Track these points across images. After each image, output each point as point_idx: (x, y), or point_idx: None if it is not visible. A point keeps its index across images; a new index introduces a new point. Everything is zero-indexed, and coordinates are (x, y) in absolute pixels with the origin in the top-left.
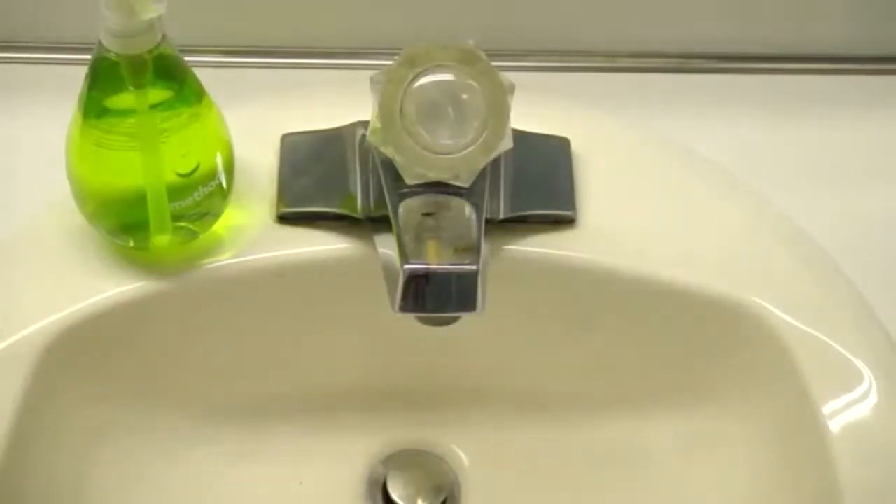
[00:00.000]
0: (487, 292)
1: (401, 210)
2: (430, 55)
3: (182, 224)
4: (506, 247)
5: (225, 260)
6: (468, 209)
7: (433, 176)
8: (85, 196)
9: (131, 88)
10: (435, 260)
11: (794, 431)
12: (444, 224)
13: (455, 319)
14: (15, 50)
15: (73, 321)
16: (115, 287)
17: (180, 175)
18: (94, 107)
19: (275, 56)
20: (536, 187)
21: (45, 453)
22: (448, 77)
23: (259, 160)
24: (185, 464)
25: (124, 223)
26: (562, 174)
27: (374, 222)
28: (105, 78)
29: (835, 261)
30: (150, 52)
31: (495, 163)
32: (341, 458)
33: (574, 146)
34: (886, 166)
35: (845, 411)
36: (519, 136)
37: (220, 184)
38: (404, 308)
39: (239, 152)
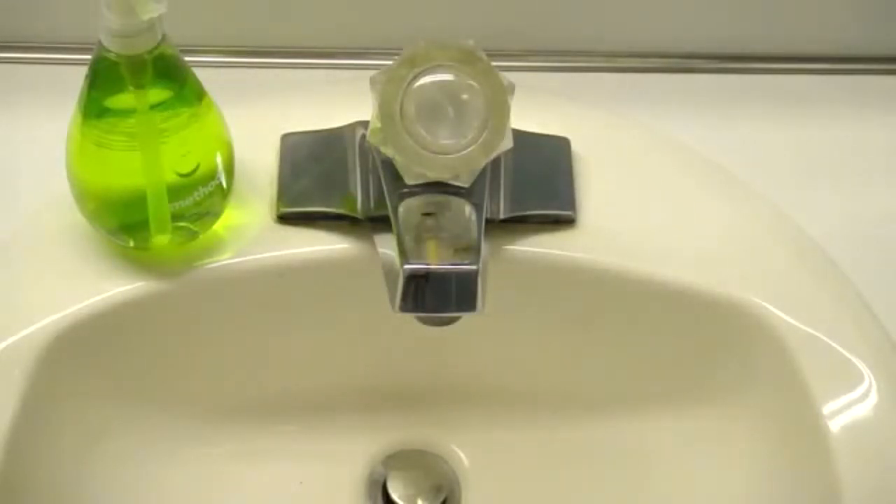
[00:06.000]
0: (487, 292)
1: (401, 210)
2: (430, 55)
3: (182, 224)
4: (506, 247)
5: (225, 260)
6: (468, 209)
7: (433, 176)
8: (85, 196)
9: (131, 88)
10: (435, 260)
11: (794, 431)
12: (444, 224)
13: (455, 319)
14: (15, 50)
15: (73, 321)
16: (115, 287)
17: (180, 175)
18: (94, 107)
19: (275, 56)
20: (536, 187)
21: (45, 453)
22: (448, 77)
23: (259, 160)
24: (185, 464)
25: (124, 223)
26: (562, 174)
27: (374, 222)
28: (105, 78)
29: (835, 261)
30: (150, 52)
31: (495, 163)
32: (341, 458)
33: (574, 146)
34: (886, 166)
35: (845, 411)
36: (519, 136)
37: (220, 184)
38: (404, 308)
39: (239, 152)
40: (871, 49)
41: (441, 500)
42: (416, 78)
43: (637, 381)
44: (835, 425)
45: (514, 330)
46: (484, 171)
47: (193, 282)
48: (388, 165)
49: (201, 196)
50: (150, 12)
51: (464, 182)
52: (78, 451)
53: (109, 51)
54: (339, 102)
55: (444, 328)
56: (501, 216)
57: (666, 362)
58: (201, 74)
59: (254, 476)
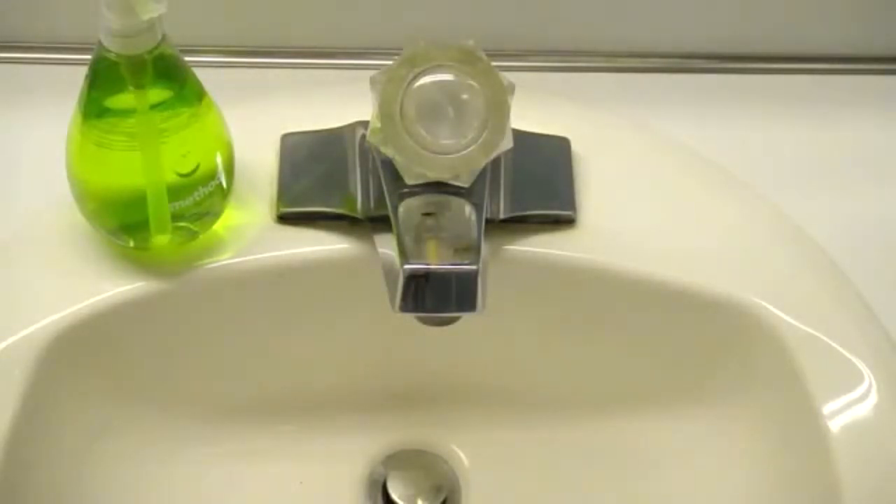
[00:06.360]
0: (487, 292)
1: (401, 210)
2: (430, 55)
3: (182, 224)
4: (506, 247)
5: (225, 260)
6: (468, 209)
7: (433, 176)
8: (85, 196)
9: (131, 88)
10: (435, 260)
11: (794, 431)
12: (444, 224)
13: (455, 319)
14: (15, 50)
15: (73, 321)
16: (115, 287)
17: (180, 175)
18: (94, 107)
19: (275, 56)
20: (536, 187)
21: (46, 453)
22: (448, 77)
23: (259, 160)
24: (185, 464)
25: (124, 223)
26: (562, 174)
27: (374, 222)
28: (105, 78)
29: (835, 261)
30: (150, 52)
31: (495, 163)
32: (341, 458)
33: (574, 146)
34: (886, 166)
35: (845, 411)
36: (519, 136)
37: (220, 184)
38: (404, 308)
39: (239, 152)
40: (871, 49)
41: (441, 500)
42: (416, 78)
43: (637, 381)
44: (835, 425)
45: (514, 330)
46: (484, 171)
47: (193, 282)
48: (388, 165)
49: (201, 196)
50: (150, 12)
51: (464, 182)
52: (78, 451)
53: (109, 51)
54: (339, 102)
55: (444, 328)
56: (501, 216)
57: (666, 362)
58: (201, 74)
59: (254, 476)
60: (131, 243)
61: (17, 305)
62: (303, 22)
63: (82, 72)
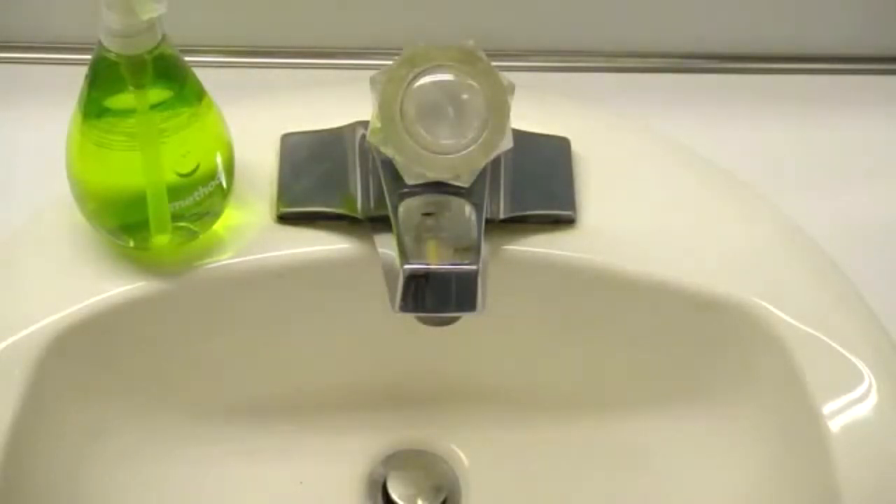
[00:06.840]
0: (487, 292)
1: (401, 210)
2: (430, 55)
3: (182, 224)
4: (506, 247)
5: (225, 260)
6: (468, 209)
7: (433, 176)
8: (85, 196)
9: (131, 88)
10: (435, 260)
11: (794, 431)
12: (444, 224)
13: (455, 319)
14: (15, 50)
15: (73, 321)
16: (115, 287)
17: (180, 175)
18: (94, 107)
19: (275, 56)
20: (536, 187)
21: (45, 453)
22: (448, 77)
23: (259, 160)
24: (184, 464)
25: (124, 223)
26: (562, 174)
27: (374, 222)
28: (105, 78)
29: (835, 261)
30: (150, 52)
31: (495, 163)
32: (341, 458)
33: (574, 146)
34: (886, 166)
35: (845, 411)
36: (519, 136)
37: (220, 184)
38: (404, 308)
39: (239, 152)
40: (871, 49)
41: (441, 500)
42: (416, 78)
43: (637, 381)
44: (835, 425)
45: (514, 330)
46: (484, 171)
47: (193, 282)
48: (388, 165)
49: (201, 196)
50: (150, 12)
51: (464, 182)
52: (78, 451)
53: (109, 51)
54: (339, 102)
55: (444, 328)
56: (501, 216)
57: (666, 362)
58: (201, 74)
59: (254, 476)
60: (131, 243)
61: (17, 305)
62: (303, 22)
63: (82, 72)
